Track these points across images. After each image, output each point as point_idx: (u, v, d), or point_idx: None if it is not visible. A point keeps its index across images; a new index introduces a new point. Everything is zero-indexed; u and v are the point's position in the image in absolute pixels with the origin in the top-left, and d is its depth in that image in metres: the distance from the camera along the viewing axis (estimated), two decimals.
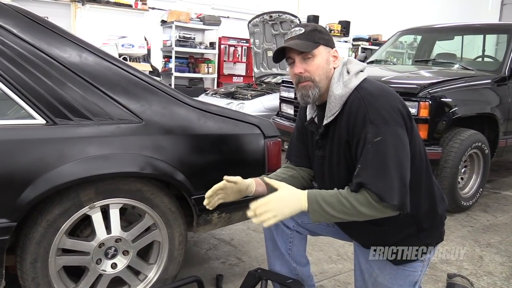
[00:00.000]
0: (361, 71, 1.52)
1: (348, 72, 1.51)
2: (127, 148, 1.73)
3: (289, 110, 4.58)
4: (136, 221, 1.88)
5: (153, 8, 7.99)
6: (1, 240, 1.52)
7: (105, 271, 1.80)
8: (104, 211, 1.77)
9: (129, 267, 1.86)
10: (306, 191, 1.41)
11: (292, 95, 4.41)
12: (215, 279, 2.26)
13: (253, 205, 1.37)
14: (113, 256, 1.81)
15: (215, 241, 2.84)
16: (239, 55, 9.04)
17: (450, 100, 3.38)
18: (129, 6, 7.54)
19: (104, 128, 1.70)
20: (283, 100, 4.67)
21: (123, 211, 1.85)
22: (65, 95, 1.63)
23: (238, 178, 1.58)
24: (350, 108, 1.46)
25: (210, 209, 1.60)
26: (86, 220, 1.82)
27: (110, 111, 1.72)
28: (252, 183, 1.63)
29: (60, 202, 1.65)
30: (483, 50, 4.64)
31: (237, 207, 2.08)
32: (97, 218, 1.74)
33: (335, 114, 1.50)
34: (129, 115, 1.75)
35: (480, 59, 4.64)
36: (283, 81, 4.68)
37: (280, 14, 6.29)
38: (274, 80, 6.81)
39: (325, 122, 1.53)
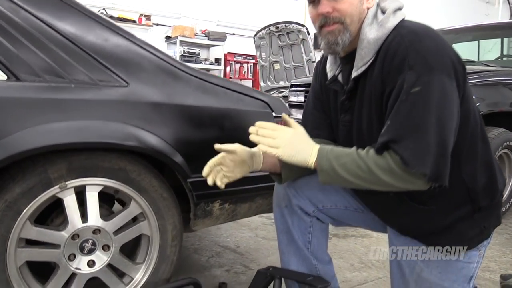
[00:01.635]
0: (399, 9, 1.21)
1: (383, 12, 1.21)
2: (107, 116, 1.41)
3: (299, 115, 4.26)
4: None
5: (157, 24, 7.85)
6: None
7: (79, 269, 1.45)
8: (80, 195, 1.44)
9: (110, 266, 1.51)
10: (319, 145, 1.18)
11: (302, 98, 4.11)
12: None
13: (260, 123, 1.16)
14: (90, 252, 1.46)
15: (218, 248, 2.48)
16: (245, 72, 8.83)
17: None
18: (133, 21, 7.42)
19: (80, 90, 1.39)
20: (292, 105, 4.37)
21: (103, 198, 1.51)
22: (33, 46, 1.34)
23: (236, 146, 1.26)
24: (386, 52, 1.14)
25: (222, 186, 1.28)
26: (59, 208, 1.50)
27: (88, 70, 1.41)
28: (259, 153, 1.31)
29: (23, 178, 1.32)
30: (502, 50, 4.36)
31: (243, 198, 1.75)
32: (69, 202, 1.41)
33: (368, 63, 1.18)
34: (111, 77, 1.45)
35: (501, 59, 4.35)
36: (291, 85, 4.39)
37: (286, 25, 6.10)
38: (281, 95, 6.55)
39: (354, 74, 1.22)
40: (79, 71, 1.40)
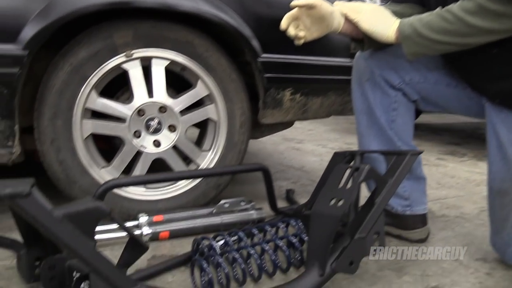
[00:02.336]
0: None
1: None
2: None
3: None
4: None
5: None
6: (8, 74, 1.15)
7: (145, 148, 1.38)
8: (146, 71, 1.35)
9: (176, 150, 1.43)
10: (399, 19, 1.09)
11: None
12: (284, 194, 1.79)
13: None
14: (156, 131, 1.39)
15: (282, 167, 2.37)
16: None
17: None
18: None
19: None
20: None
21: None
22: None
23: (316, 0, 1.09)
24: None
25: (300, 42, 1.13)
26: (125, 86, 1.43)
27: None
28: (339, 15, 1.14)
29: (88, 42, 1.25)
30: None
31: (315, 89, 1.60)
32: (135, 74, 1.33)
33: None
34: None
35: None
36: None
37: None
38: None
39: None
40: None
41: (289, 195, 1.73)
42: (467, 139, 3.68)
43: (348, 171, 1.02)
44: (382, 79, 1.23)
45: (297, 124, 4.04)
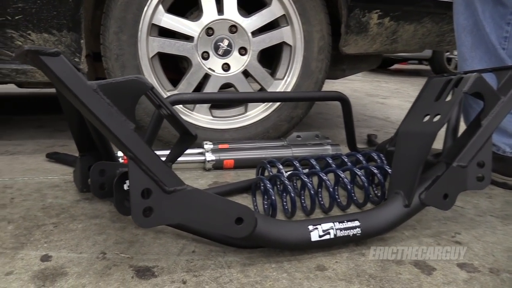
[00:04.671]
0: None
1: None
2: None
3: None
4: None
5: None
6: None
7: (213, 71, 1.27)
8: None
9: (246, 76, 1.31)
10: None
11: None
12: (366, 138, 1.60)
13: None
14: (226, 54, 1.27)
15: (364, 117, 2.16)
16: None
17: None
18: None
19: None
20: None
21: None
22: None
23: None
24: None
25: None
26: (194, 7, 1.32)
27: None
28: None
29: None
30: None
31: (408, 13, 1.36)
32: None
33: None
34: None
35: None
36: None
37: None
38: None
39: None
40: None
41: (370, 139, 1.54)
42: None
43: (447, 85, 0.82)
44: None
45: (382, 83, 3.76)
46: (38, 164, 1.18)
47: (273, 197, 0.80)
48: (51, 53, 0.50)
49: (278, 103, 1.32)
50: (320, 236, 0.70)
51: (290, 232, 0.69)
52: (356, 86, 3.76)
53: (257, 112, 1.32)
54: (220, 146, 1.21)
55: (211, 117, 1.31)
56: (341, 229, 0.71)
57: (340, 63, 1.64)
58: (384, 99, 2.90)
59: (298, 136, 1.26)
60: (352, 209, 0.90)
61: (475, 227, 0.87)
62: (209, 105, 1.30)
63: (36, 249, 0.70)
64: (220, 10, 1.24)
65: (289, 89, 1.33)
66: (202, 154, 1.18)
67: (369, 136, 1.57)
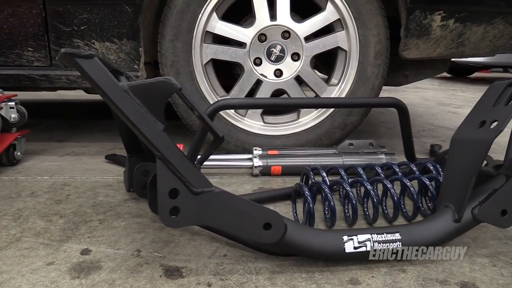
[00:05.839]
0: None
1: None
2: None
3: None
4: None
5: None
6: None
7: (265, 77, 1.27)
8: None
9: (298, 80, 1.29)
10: None
11: None
12: (429, 149, 1.51)
13: None
14: (278, 60, 1.27)
15: (432, 126, 2.03)
16: None
17: None
18: None
19: None
20: None
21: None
22: None
23: None
24: None
25: None
26: (248, 14, 1.33)
27: None
28: None
29: None
30: None
31: (476, 14, 1.27)
32: None
33: None
34: None
35: None
36: None
37: None
38: None
39: None
40: None
41: (433, 149, 1.45)
42: None
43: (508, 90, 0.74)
44: None
45: (458, 91, 3.53)
46: (98, 164, 1.25)
47: (311, 205, 0.78)
48: (85, 56, 0.53)
49: (331, 110, 1.28)
50: (355, 248, 0.66)
51: (323, 242, 0.66)
52: (428, 95, 3.56)
53: (310, 119, 1.30)
54: (269, 152, 1.20)
55: (263, 123, 1.30)
56: (379, 242, 0.66)
57: (403, 69, 1.56)
58: (457, 109, 2.72)
59: (351, 144, 1.21)
60: (400, 221, 0.84)
61: None
62: (261, 111, 1.30)
63: (79, 242, 0.74)
64: (273, 16, 1.24)
65: (343, 95, 1.29)
66: (250, 159, 1.18)
67: (432, 147, 1.48)
